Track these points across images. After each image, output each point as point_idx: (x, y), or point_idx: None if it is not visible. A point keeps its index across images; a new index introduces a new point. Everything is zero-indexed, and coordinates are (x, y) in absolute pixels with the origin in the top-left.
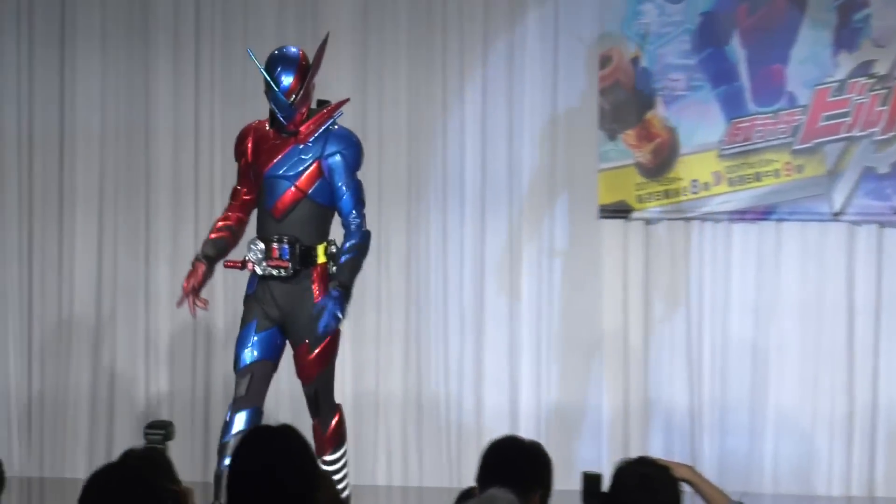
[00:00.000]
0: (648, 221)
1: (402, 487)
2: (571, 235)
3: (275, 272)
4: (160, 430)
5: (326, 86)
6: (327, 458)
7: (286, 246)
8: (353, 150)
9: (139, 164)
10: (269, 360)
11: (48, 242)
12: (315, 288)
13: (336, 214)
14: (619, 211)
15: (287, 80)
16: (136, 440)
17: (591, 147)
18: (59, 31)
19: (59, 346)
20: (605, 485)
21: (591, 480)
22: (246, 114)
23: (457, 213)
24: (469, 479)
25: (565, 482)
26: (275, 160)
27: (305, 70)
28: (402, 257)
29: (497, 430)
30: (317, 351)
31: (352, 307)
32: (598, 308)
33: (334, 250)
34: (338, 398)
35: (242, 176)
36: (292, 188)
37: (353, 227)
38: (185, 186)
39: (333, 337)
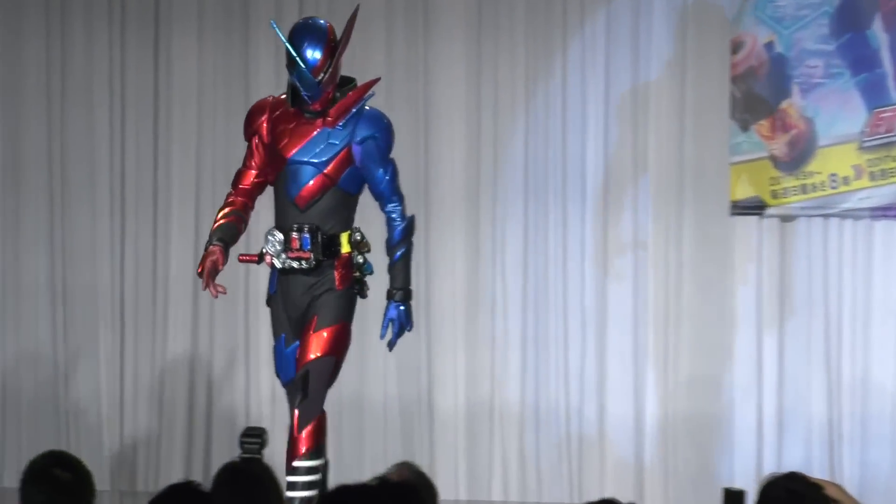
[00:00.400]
0: (784, 218)
1: (519, 503)
2: (700, 234)
3: (295, 264)
4: (256, 439)
5: (436, 81)
6: (297, 462)
7: (307, 235)
8: (387, 134)
9: (239, 154)
10: None
11: (142, 237)
12: (337, 276)
13: (357, 200)
14: (751, 207)
15: (314, 55)
16: (233, 449)
17: (722, 139)
18: (153, 11)
19: (153, 346)
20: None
21: (733, 497)
22: None
23: (577, 210)
24: (590, 494)
25: (695, 498)
26: (301, 144)
27: (334, 46)
28: (518, 256)
29: (620, 442)
30: (325, 331)
31: (465, 309)
32: (730, 311)
33: (359, 238)
34: (451, 406)
35: (253, 157)
36: (320, 175)
37: (395, 215)
38: None
39: (346, 328)
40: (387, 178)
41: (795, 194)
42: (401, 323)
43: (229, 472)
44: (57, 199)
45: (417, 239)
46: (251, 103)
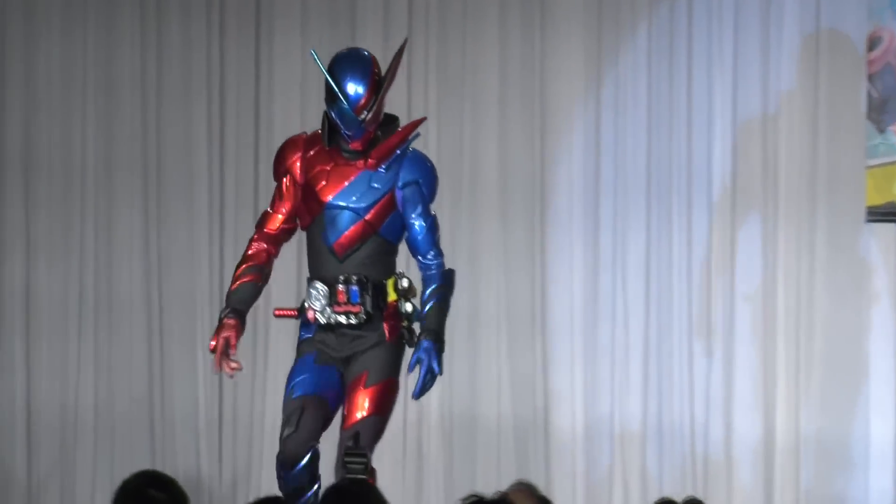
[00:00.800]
0: None
1: None
2: (834, 241)
3: (343, 319)
4: (361, 458)
5: (554, 77)
6: None
7: (355, 287)
8: (431, 180)
9: None
10: (325, 399)
11: (241, 242)
12: (386, 328)
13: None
14: (889, 213)
15: (357, 90)
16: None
17: (857, 141)
18: (254, 7)
19: (254, 357)
20: None
21: None
22: (464, 98)
23: (703, 215)
24: None
25: None
26: (340, 187)
27: (379, 81)
28: (640, 265)
29: (749, 462)
30: (375, 387)
31: (583, 321)
32: (866, 324)
33: (406, 284)
34: (569, 424)
35: (282, 200)
36: (361, 222)
37: (433, 267)
38: None
39: (395, 384)
40: (426, 229)
41: None
42: (429, 364)
43: (336, 494)
44: (152, 203)
45: (532, 244)
46: None
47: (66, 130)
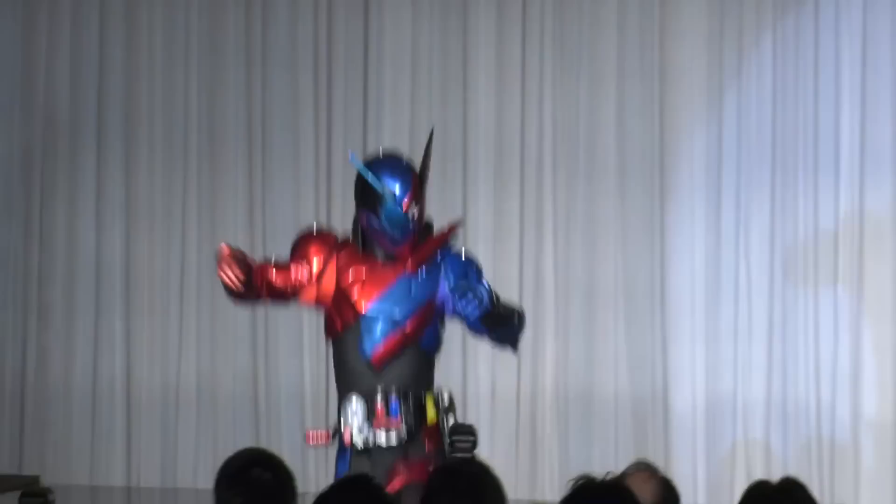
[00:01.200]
0: None
1: None
2: None
3: (383, 437)
4: (469, 437)
5: (674, 46)
6: None
7: (395, 401)
8: (477, 264)
9: (454, 131)
10: None
11: (348, 211)
12: (427, 446)
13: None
14: None
15: (403, 186)
16: None
17: None
18: None
19: None
20: None
21: None
22: (581, 71)
23: (830, 189)
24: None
25: None
26: (378, 294)
27: (418, 181)
28: (765, 240)
29: (878, 447)
30: None
31: (705, 297)
32: None
33: (447, 400)
34: (689, 403)
35: (319, 272)
36: (400, 333)
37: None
38: (508, 144)
39: None
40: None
41: None
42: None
43: (447, 474)
44: (256, 173)
45: (652, 222)
46: (469, 76)
47: (168, 98)
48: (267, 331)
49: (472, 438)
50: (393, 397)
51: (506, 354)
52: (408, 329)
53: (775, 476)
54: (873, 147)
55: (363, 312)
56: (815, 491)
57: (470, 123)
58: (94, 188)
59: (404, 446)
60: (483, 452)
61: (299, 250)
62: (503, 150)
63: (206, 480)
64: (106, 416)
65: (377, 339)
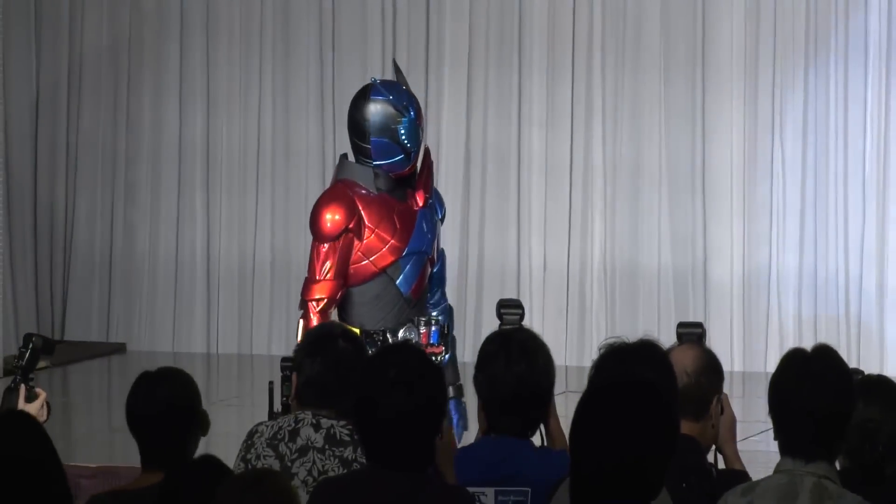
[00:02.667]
0: None
1: None
2: None
3: None
4: (517, 310)
5: None
6: None
7: (435, 328)
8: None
9: (512, 13)
10: None
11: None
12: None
13: None
14: None
15: (414, 104)
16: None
17: None
18: None
19: None
20: None
21: None
22: None
23: (859, 72)
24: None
25: None
26: (410, 234)
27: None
28: (797, 122)
29: None
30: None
31: (742, 176)
32: None
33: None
34: (727, 275)
35: (344, 261)
36: (429, 265)
37: (443, 307)
38: (560, 32)
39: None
40: (442, 266)
41: None
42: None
43: (501, 340)
44: (327, 58)
45: (694, 106)
46: None
47: None
48: None
49: (519, 311)
50: (433, 327)
51: (558, 230)
52: (431, 257)
53: (807, 344)
54: None
55: (403, 254)
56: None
57: (525, 12)
58: (178, 75)
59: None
60: (534, 322)
61: (332, 229)
62: (556, 38)
63: (279, 348)
64: (187, 287)
65: (414, 275)
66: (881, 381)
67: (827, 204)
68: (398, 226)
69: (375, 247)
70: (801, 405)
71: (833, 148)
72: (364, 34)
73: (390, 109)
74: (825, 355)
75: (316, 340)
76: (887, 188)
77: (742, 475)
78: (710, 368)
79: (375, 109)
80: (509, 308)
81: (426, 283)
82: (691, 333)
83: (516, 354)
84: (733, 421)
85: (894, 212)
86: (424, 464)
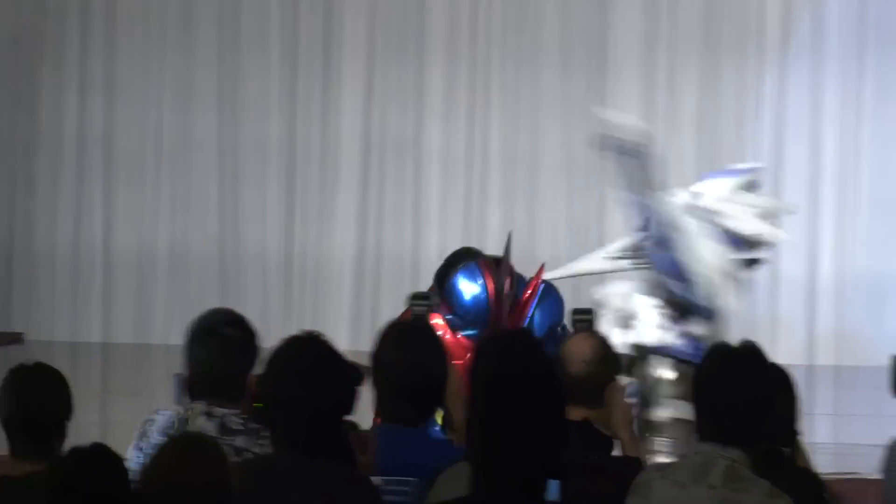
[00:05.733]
0: None
1: None
2: (881, 87)
3: None
4: (425, 301)
5: None
6: None
7: None
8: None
9: (412, 11)
10: None
11: (313, 91)
12: None
13: None
14: None
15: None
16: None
17: None
18: None
19: (322, 204)
20: None
21: None
22: None
23: (753, 62)
24: None
25: (866, 358)
26: None
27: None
28: (692, 111)
29: (793, 301)
30: None
31: None
32: None
33: None
34: None
35: None
36: None
37: None
38: (460, 36)
39: None
40: None
41: None
42: None
43: (397, 327)
44: (227, 53)
45: (592, 96)
46: None
47: None
48: (236, 199)
49: (427, 303)
50: None
51: (455, 221)
52: None
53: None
54: (796, 30)
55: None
56: None
57: (425, 6)
58: (78, 66)
59: None
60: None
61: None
62: (455, 31)
63: (177, 337)
64: (85, 277)
65: None
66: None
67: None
68: None
69: None
70: (722, 396)
71: (726, 136)
72: (265, 27)
73: None
74: (748, 351)
75: (202, 330)
76: (782, 178)
77: (636, 462)
78: (607, 357)
79: None
80: (418, 300)
81: None
82: (584, 321)
83: (409, 342)
84: (628, 407)
85: (787, 197)
86: (333, 451)
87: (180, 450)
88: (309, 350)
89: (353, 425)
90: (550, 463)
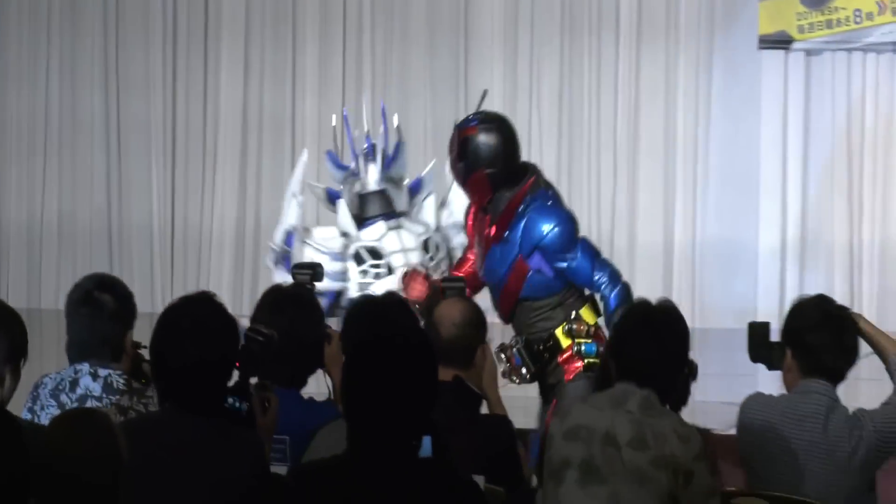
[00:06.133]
0: (809, 52)
1: None
2: (729, 67)
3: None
4: (308, 270)
5: None
6: None
7: (517, 351)
8: (557, 228)
9: None
10: None
11: (193, 69)
12: (566, 370)
13: None
14: (779, 42)
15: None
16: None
17: None
18: None
19: (203, 177)
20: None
21: (758, 330)
22: None
23: (611, 41)
24: None
25: (721, 321)
26: (483, 260)
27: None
28: (554, 92)
29: (650, 268)
30: None
31: None
32: (756, 142)
33: (574, 325)
34: None
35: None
36: (506, 290)
37: (604, 291)
38: (332, 17)
39: None
40: (574, 268)
41: (821, 29)
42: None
43: (274, 292)
44: (111, 31)
45: (458, 73)
46: None
47: None
48: (121, 172)
49: (309, 272)
50: (514, 351)
51: None
52: (510, 286)
53: None
54: (648, 11)
55: (480, 278)
56: None
57: None
58: None
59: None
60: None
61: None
62: (328, 12)
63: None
64: None
65: (494, 299)
66: None
67: (581, 167)
68: (478, 250)
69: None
70: (640, 348)
71: (587, 114)
72: (146, 8)
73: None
74: (665, 309)
75: (78, 297)
76: (637, 153)
77: (503, 420)
78: (476, 321)
79: None
80: (301, 269)
81: (512, 306)
82: (454, 287)
83: (283, 307)
84: (494, 368)
85: (643, 174)
86: (215, 410)
87: (71, 424)
88: (198, 307)
89: (265, 385)
90: (421, 421)
